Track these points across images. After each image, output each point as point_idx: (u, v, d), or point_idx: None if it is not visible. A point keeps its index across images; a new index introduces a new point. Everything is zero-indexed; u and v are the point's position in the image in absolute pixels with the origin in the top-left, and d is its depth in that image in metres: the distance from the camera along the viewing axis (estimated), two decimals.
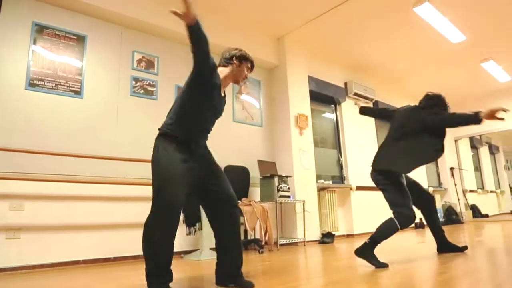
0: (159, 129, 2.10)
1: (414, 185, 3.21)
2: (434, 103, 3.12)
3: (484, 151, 12.30)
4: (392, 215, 2.85)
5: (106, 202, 3.73)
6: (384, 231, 2.79)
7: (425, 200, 3.27)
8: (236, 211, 2.12)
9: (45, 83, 3.63)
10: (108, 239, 3.67)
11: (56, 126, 3.61)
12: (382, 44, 6.08)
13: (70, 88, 3.78)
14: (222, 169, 2.27)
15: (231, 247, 2.07)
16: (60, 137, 3.61)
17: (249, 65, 2.28)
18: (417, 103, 3.30)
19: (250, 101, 5.47)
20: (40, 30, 3.69)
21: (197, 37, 1.84)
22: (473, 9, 5.15)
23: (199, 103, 2.04)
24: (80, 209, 3.57)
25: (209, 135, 2.22)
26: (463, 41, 5.97)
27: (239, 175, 4.74)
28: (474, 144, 11.28)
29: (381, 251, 3.72)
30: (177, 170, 1.94)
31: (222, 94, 2.20)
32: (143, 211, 3.90)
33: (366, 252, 2.73)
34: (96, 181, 3.66)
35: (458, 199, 9.04)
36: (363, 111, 3.63)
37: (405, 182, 3.03)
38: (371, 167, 3.11)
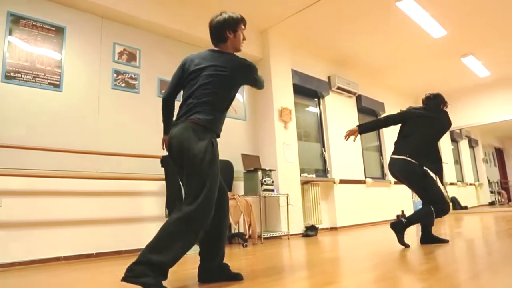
0: (194, 120, 1.95)
1: None
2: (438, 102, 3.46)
3: (464, 144, 12.56)
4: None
5: (86, 197, 3.67)
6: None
7: None
8: (227, 199, 2.10)
9: (22, 76, 3.54)
10: (89, 235, 3.62)
11: (34, 119, 3.53)
12: (365, 38, 6.13)
13: (49, 81, 3.69)
14: None
15: (219, 236, 2.02)
16: (38, 131, 3.53)
17: (243, 26, 2.19)
18: (402, 97, 3.43)
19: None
20: (16, 20, 3.58)
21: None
22: (454, 4, 5.24)
23: (231, 99, 2.09)
24: (60, 204, 3.50)
25: None
26: (444, 36, 6.08)
27: (223, 169, 4.67)
28: (454, 137, 11.52)
29: (367, 243, 3.78)
30: (218, 170, 1.95)
31: None
32: (124, 206, 3.88)
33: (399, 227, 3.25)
34: (76, 176, 3.60)
35: None
36: (363, 130, 3.53)
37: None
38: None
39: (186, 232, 1.77)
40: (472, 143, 13.10)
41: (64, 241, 3.46)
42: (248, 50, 5.49)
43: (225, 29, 2.13)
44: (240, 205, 4.33)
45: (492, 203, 12.48)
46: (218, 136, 2.06)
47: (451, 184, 10.33)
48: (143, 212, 4.00)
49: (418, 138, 3.30)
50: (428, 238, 3.33)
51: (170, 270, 1.78)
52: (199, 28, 4.77)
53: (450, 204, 3.20)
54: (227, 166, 4.77)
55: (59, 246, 3.43)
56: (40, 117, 3.57)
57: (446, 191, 6.41)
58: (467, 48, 6.79)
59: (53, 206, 3.46)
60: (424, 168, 3.25)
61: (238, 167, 4.96)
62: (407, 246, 3.20)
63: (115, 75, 4.17)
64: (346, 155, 6.80)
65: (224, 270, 2.03)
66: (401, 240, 3.22)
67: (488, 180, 13.04)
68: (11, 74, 3.47)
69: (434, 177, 3.35)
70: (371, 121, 3.58)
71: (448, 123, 3.44)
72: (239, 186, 5.01)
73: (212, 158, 1.91)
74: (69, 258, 3.46)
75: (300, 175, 5.70)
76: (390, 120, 3.49)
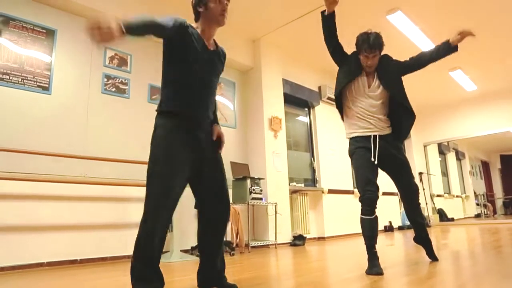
0: (156, 110, 1.90)
1: None
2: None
3: (451, 157, 12.72)
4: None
5: (72, 202, 3.63)
6: None
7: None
8: (228, 212, 1.94)
9: (11, 77, 3.51)
10: (74, 240, 3.57)
11: (21, 122, 3.49)
12: (355, 49, 6.19)
13: (38, 83, 3.66)
14: None
15: (215, 247, 1.92)
16: (25, 134, 3.50)
17: None
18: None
19: (224, 103, 5.47)
20: (6, 21, 3.56)
21: (142, 32, 1.60)
22: (443, 19, 5.35)
23: (182, 66, 1.83)
24: (44, 209, 3.46)
25: (211, 114, 1.98)
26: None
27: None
28: (442, 150, 11.67)
29: (354, 253, 3.80)
30: (177, 155, 1.75)
31: (211, 48, 1.99)
32: (111, 212, 3.84)
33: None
34: (62, 180, 3.56)
35: (426, 203, 9.34)
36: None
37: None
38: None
39: (141, 231, 1.71)
40: (459, 156, 13.29)
41: (47, 246, 3.41)
42: (239, 58, 5.53)
43: (195, 6, 1.97)
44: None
45: (478, 216, 12.65)
46: (181, 115, 1.84)
47: (438, 195, 10.43)
48: (130, 219, 3.96)
49: None
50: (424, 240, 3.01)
51: (168, 280, 1.77)
52: None
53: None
54: None
55: (42, 251, 3.37)
56: (27, 120, 3.54)
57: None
58: (456, 62, 6.93)
59: (37, 210, 3.41)
60: None
61: (227, 175, 4.95)
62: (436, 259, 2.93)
63: (105, 80, 4.16)
64: (335, 165, 6.84)
65: (221, 281, 1.94)
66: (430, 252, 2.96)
67: (475, 193, 13.21)
68: None
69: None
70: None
71: None
72: None
73: (153, 149, 1.78)
74: (53, 264, 3.40)
75: (289, 184, 5.72)
76: None
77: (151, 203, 1.70)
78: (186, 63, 1.84)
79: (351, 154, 2.76)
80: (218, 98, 5.37)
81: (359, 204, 2.76)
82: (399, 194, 2.90)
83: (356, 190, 7.09)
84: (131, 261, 1.72)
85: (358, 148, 2.71)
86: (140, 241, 1.69)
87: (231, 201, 4.79)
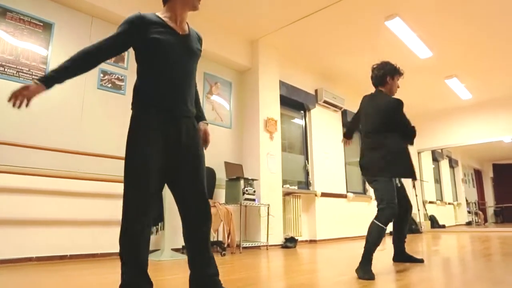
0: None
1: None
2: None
3: (444, 164, 12.79)
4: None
5: (64, 197, 3.60)
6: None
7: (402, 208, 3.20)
8: (206, 215, 1.81)
9: (5, 69, 3.48)
10: (65, 236, 3.54)
11: (15, 116, 3.46)
12: (353, 54, 6.24)
13: (33, 76, 3.63)
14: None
15: (200, 251, 1.78)
16: (19, 127, 3.47)
17: None
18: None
19: (220, 102, 5.47)
20: (3, 12, 3.53)
21: (73, 73, 1.63)
22: (440, 27, 5.39)
23: (153, 54, 1.76)
24: (35, 203, 3.43)
25: (192, 107, 1.86)
26: (430, 57, 6.24)
27: (206, 176, 4.71)
28: (436, 157, 11.73)
29: (345, 257, 3.80)
30: (149, 150, 1.68)
31: (181, 32, 1.84)
32: (103, 208, 3.82)
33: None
34: (54, 175, 3.53)
35: (418, 210, 9.39)
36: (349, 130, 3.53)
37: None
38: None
39: (121, 231, 1.66)
40: (453, 163, 13.35)
41: (37, 241, 3.38)
42: (237, 59, 5.53)
43: None
44: (220, 213, 4.32)
45: (469, 223, 12.73)
46: (155, 103, 1.76)
47: (430, 202, 10.49)
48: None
49: None
50: (402, 256, 3.31)
51: (158, 278, 1.75)
52: None
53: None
54: (210, 173, 4.75)
55: (32, 246, 3.34)
56: (21, 113, 3.51)
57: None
58: (452, 70, 6.97)
59: (27, 204, 3.38)
60: None
61: (221, 175, 4.95)
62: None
63: (101, 75, 4.14)
64: (329, 168, 6.86)
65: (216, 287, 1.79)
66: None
67: (466, 201, 13.28)
68: None
69: None
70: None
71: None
72: (220, 194, 5.00)
73: (127, 145, 1.73)
74: (42, 259, 3.38)
75: (282, 186, 5.72)
76: None
77: (126, 201, 1.66)
78: (156, 51, 1.76)
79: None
80: (215, 97, 5.37)
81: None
82: None
83: (349, 194, 7.12)
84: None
85: None
86: (123, 242, 1.65)
87: (223, 201, 4.81)
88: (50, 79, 1.59)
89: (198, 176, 1.81)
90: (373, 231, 2.68)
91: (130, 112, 1.80)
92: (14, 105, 1.54)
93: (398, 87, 3.16)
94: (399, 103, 2.88)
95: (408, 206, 3.26)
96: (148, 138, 1.69)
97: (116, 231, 3.85)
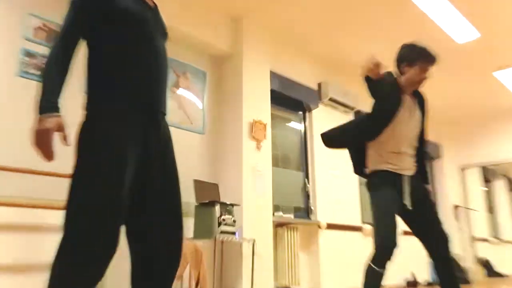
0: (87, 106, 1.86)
1: None
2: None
3: (499, 186, 12.69)
4: None
5: None
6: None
7: None
8: (178, 250, 1.82)
9: None
10: None
11: None
12: (369, 38, 6.33)
13: None
14: None
15: None
16: None
17: None
18: None
19: (190, 99, 5.52)
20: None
21: (61, 81, 1.76)
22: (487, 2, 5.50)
23: (119, 32, 1.82)
24: None
25: (165, 103, 1.94)
26: (472, 41, 6.34)
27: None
28: (487, 176, 11.59)
29: None
30: (126, 169, 1.67)
31: (150, 4, 2.00)
32: (17, 246, 3.77)
33: None
34: None
35: (464, 250, 9.32)
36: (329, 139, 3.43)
37: None
38: None
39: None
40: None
41: None
42: (214, 41, 5.59)
43: None
44: (186, 252, 4.31)
45: None
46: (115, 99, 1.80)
47: (481, 240, 10.38)
48: (47, 257, 3.89)
49: None
50: None
51: None
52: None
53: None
54: None
55: None
56: None
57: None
58: (503, 59, 7.04)
59: None
60: None
61: (188, 198, 4.94)
62: None
63: (24, 57, 4.15)
64: (337, 190, 6.88)
65: None
66: None
67: None
68: None
69: None
70: None
71: None
72: (187, 225, 4.98)
73: (88, 153, 1.70)
74: None
75: (273, 214, 5.74)
76: None
77: (79, 225, 1.59)
78: (128, 26, 1.83)
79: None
80: (182, 92, 5.42)
81: (370, 245, 2.93)
82: (423, 245, 3.09)
83: (366, 226, 7.14)
84: None
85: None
86: None
87: (191, 235, 4.80)
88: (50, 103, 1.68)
89: (175, 198, 1.85)
90: (367, 275, 2.77)
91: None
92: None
93: (425, 78, 3.12)
94: None
95: (441, 238, 3.03)
96: (125, 151, 1.69)
97: (38, 280, 3.84)
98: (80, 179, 1.65)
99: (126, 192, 1.67)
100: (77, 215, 1.60)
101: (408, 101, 3.16)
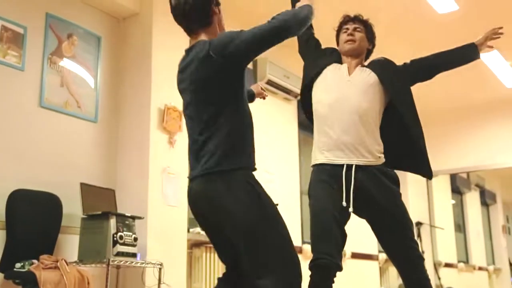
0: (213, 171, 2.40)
1: None
2: None
3: (472, 199, 13.22)
4: None
5: None
6: None
7: None
8: None
9: None
10: None
11: None
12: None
13: None
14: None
15: None
16: None
17: None
18: None
19: (78, 73, 5.42)
20: None
21: None
22: None
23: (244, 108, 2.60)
24: None
25: None
26: (452, 12, 6.59)
27: (41, 208, 4.65)
28: (458, 186, 11.99)
29: None
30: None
31: None
32: None
33: None
34: None
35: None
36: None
37: None
38: None
39: None
40: (487, 198, 13.60)
41: None
42: None
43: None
44: (66, 281, 4.23)
45: None
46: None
47: (447, 265, 10.86)
48: None
49: None
50: None
51: None
52: None
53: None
54: (50, 204, 4.69)
55: None
56: None
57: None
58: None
59: None
60: None
61: (72, 208, 4.87)
62: None
63: None
64: (273, 199, 6.96)
65: None
66: None
67: (510, 263, 13.88)
68: None
69: None
70: None
71: None
72: (70, 243, 4.93)
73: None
74: None
75: (188, 231, 5.75)
76: None
77: None
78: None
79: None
80: (66, 63, 5.28)
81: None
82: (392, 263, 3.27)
83: (304, 247, 7.28)
84: None
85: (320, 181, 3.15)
86: None
87: (75, 258, 4.72)
88: None
89: None
90: None
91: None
92: None
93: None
94: None
95: (414, 260, 3.26)
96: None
97: None
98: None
99: None
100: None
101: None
